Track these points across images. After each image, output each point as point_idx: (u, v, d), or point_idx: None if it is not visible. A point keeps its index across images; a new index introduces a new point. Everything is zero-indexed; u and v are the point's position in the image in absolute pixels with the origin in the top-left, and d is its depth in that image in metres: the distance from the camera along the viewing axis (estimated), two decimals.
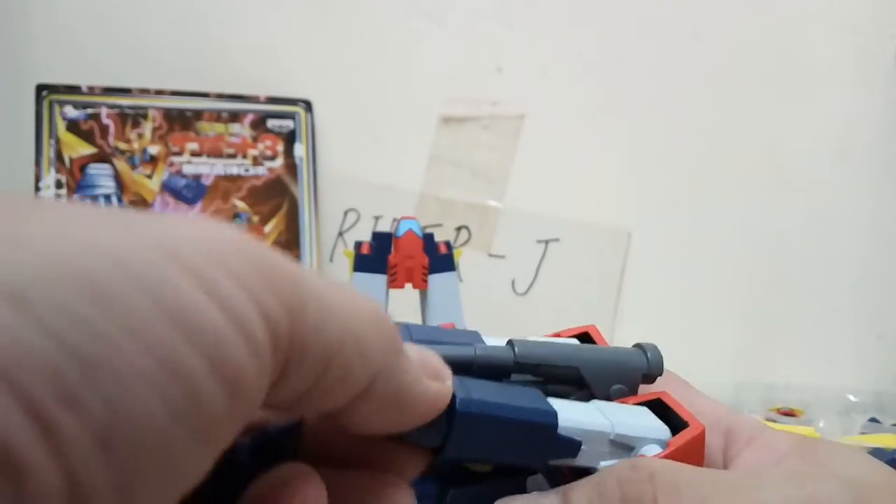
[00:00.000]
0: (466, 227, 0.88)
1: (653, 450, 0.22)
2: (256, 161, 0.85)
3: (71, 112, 0.79)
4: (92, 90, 0.80)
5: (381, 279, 0.53)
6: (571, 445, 0.21)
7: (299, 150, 0.86)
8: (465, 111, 0.88)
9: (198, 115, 0.83)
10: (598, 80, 0.87)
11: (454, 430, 0.19)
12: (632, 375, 0.23)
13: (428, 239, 0.54)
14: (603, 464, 0.21)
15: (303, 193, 0.86)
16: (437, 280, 0.54)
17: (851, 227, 0.85)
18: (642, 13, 0.86)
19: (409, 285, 0.54)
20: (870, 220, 0.85)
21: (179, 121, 0.83)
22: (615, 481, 0.20)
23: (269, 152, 0.85)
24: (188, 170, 0.82)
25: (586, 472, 0.21)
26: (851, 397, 0.77)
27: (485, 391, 0.19)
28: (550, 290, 0.87)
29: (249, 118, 0.85)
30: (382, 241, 0.53)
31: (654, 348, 0.24)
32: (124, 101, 0.81)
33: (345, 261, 0.55)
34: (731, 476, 0.21)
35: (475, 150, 0.88)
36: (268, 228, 0.84)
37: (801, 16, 0.85)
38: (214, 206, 0.83)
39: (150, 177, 0.81)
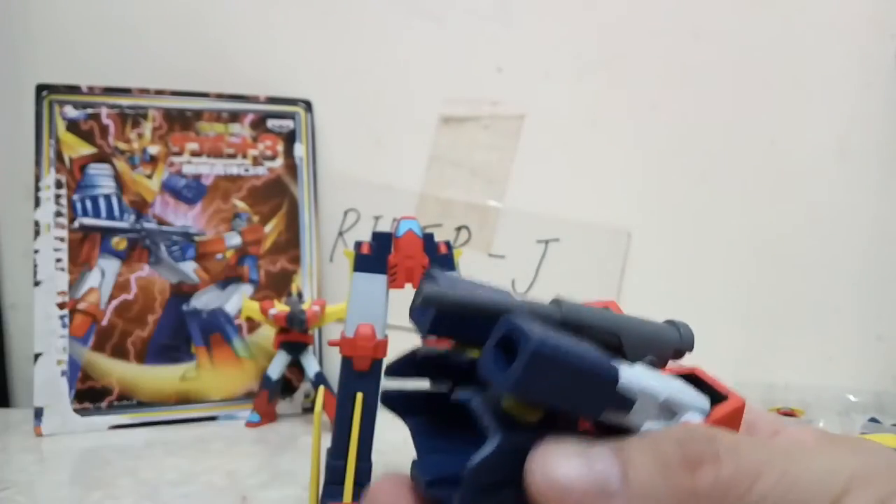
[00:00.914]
0: (466, 227, 0.88)
1: (695, 418, 0.22)
2: (256, 161, 0.85)
3: (71, 112, 0.79)
4: (92, 90, 0.80)
5: (381, 279, 0.53)
6: (627, 401, 0.21)
7: (299, 150, 0.86)
8: (465, 111, 0.88)
9: (198, 115, 0.83)
10: (598, 80, 0.87)
11: (526, 366, 0.18)
12: (665, 349, 0.24)
13: (428, 239, 0.54)
14: (647, 425, 0.21)
15: (303, 193, 0.86)
16: None
17: (851, 227, 0.85)
18: (642, 13, 0.86)
19: (409, 285, 0.53)
20: (870, 220, 0.85)
21: (179, 121, 0.83)
22: (674, 441, 0.20)
23: (269, 152, 0.85)
24: (188, 170, 0.82)
25: (621, 433, 0.21)
26: (851, 397, 0.77)
27: (555, 335, 0.19)
28: (550, 290, 0.86)
29: (249, 118, 0.85)
30: (382, 241, 0.53)
31: (686, 325, 0.24)
32: (124, 101, 0.81)
33: (345, 261, 0.55)
34: (787, 445, 0.21)
35: (475, 150, 0.88)
36: (268, 228, 0.84)
37: (802, 16, 0.85)
38: (214, 206, 0.83)
39: (150, 177, 0.81)
